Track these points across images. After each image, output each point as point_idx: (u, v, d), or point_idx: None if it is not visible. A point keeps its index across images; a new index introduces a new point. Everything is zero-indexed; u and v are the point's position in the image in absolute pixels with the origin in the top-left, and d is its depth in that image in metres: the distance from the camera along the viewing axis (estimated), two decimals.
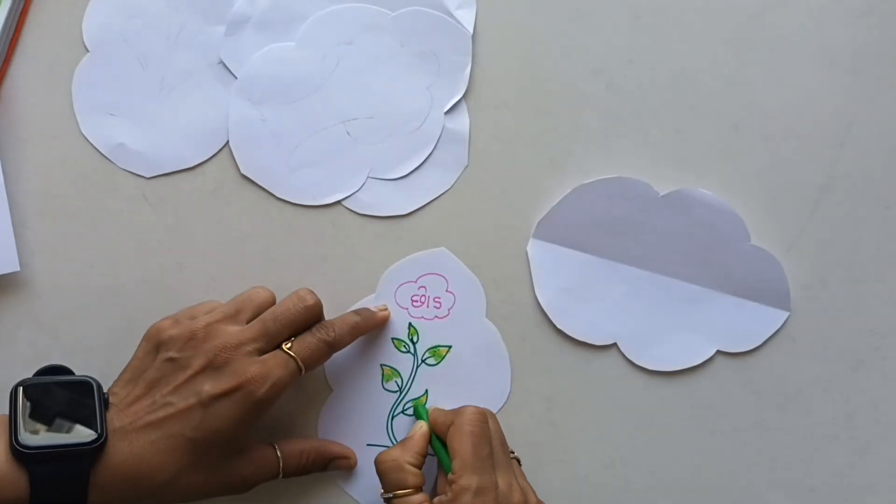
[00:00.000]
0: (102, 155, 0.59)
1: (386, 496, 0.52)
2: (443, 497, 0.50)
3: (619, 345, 0.57)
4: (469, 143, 0.59)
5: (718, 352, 0.57)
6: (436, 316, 0.58)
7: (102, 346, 0.57)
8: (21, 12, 0.59)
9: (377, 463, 0.53)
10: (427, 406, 0.57)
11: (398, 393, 0.57)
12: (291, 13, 0.59)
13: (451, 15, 0.58)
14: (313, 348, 0.52)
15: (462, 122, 0.59)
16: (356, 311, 0.56)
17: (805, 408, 0.57)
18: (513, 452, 0.55)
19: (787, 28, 0.58)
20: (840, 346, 0.58)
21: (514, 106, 0.59)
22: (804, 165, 0.58)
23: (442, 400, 0.57)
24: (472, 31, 0.58)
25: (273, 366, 0.51)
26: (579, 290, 0.57)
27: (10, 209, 0.57)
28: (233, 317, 0.52)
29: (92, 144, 0.59)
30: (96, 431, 0.47)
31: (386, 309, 0.57)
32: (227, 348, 0.50)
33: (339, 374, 0.58)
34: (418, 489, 0.52)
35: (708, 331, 0.57)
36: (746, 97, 0.58)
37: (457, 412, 0.53)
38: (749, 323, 0.57)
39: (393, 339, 0.58)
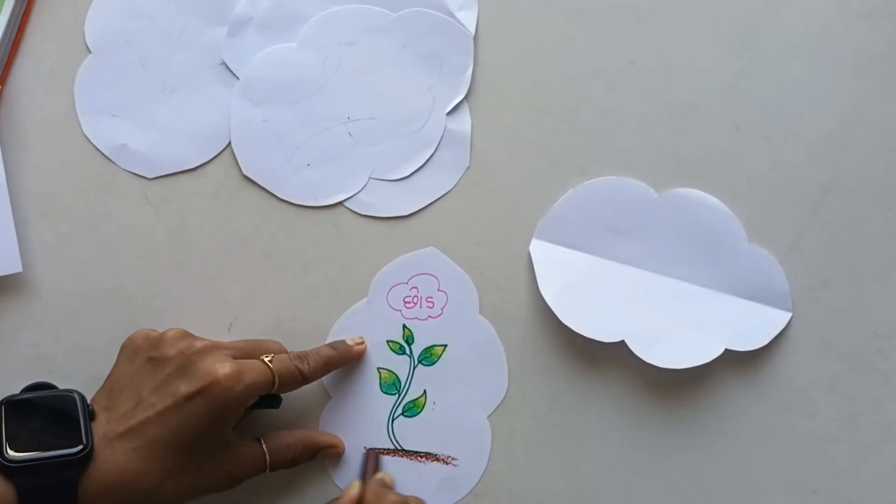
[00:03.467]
0: (104, 156, 0.59)
1: None
2: None
3: (627, 342, 0.57)
4: (471, 144, 0.59)
5: (726, 350, 0.56)
6: (429, 316, 0.58)
7: (104, 346, 0.57)
8: (24, 13, 0.59)
9: None
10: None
11: (396, 395, 0.57)
12: (293, 14, 0.59)
13: (453, 16, 0.58)
14: (290, 371, 0.53)
15: (464, 123, 0.59)
16: (332, 345, 0.56)
17: (807, 409, 0.57)
18: None
19: (789, 29, 0.58)
20: (842, 347, 0.57)
21: (516, 107, 0.59)
22: (806, 166, 0.58)
23: (441, 399, 0.57)
24: (473, 32, 0.58)
25: (249, 368, 0.51)
26: (584, 288, 0.57)
27: (13, 210, 0.57)
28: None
29: (94, 145, 0.59)
30: (82, 442, 0.47)
31: (363, 342, 0.57)
32: (201, 350, 0.51)
33: (336, 379, 0.58)
34: None
35: (715, 330, 0.57)
36: (748, 98, 0.58)
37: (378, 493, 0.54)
38: (751, 324, 0.57)
39: (388, 341, 0.58)
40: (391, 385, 0.58)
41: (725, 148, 0.58)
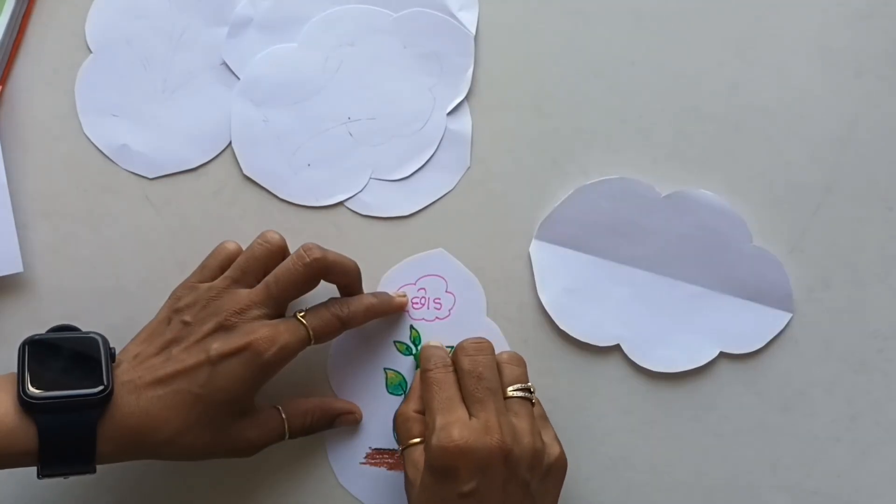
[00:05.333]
0: (105, 156, 0.59)
1: (399, 450, 0.53)
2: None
3: (622, 346, 0.57)
4: (471, 145, 0.59)
5: (721, 353, 0.57)
6: (436, 317, 0.58)
7: None
8: (24, 14, 0.59)
9: (393, 420, 0.55)
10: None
11: (402, 396, 0.57)
12: (294, 14, 0.59)
13: (454, 16, 0.58)
14: (325, 321, 0.53)
15: (464, 123, 0.59)
16: (374, 294, 0.56)
17: (807, 410, 0.57)
18: (530, 392, 0.53)
19: (790, 29, 0.58)
20: (843, 347, 0.57)
21: (516, 107, 0.59)
22: (807, 166, 0.58)
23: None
24: (474, 32, 0.58)
25: (283, 330, 0.51)
26: (582, 291, 0.57)
27: (14, 210, 0.57)
28: (239, 280, 0.53)
29: (95, 145, 0.59)
30: (102, 383, 0.49)
31: (404, 295, 0.58)
32: (237, 312, 0.52)
33: (342, 379, 0.58)
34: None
35: (711, 332, 0.57)
36: (749, 98, 0.58)
37: (423, 356, 0.54)
38: (752, 324, 0.57)
39: (395, 342, 0.58)
40: (397, 386, 0.58)
41: (726, 148, 0.58)
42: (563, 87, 0.59)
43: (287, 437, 0.54)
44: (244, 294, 0.52)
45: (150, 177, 0.59)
